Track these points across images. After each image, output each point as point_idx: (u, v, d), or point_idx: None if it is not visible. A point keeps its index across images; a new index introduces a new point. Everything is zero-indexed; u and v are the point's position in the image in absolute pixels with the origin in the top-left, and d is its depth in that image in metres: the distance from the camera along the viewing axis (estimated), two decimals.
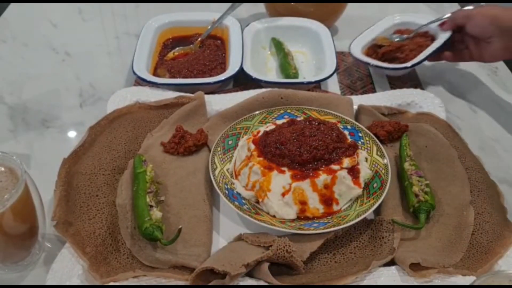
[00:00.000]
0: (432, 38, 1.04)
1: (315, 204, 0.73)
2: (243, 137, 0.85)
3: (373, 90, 1.02)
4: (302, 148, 0.75)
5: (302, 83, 0.98)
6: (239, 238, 0.71)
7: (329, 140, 0.77)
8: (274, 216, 0.73)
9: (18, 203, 0.60)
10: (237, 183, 0.78)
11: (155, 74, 1.01)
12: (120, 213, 0.72)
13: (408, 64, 0.98)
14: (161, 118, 0.89)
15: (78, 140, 0.83)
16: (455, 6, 1.36)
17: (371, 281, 0.65)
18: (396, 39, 1.04)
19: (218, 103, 0.92)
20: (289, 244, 0.66)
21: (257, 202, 0.76)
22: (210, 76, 1.00)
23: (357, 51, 1.03)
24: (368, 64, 1.01)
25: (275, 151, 0.76)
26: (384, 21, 1.09)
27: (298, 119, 0.86)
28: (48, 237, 0.72)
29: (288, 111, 0.89)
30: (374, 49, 1.06)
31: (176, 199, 0.76)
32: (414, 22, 1.08)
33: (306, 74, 1.06)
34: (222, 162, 0.81)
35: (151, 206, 0.70)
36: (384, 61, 1.02)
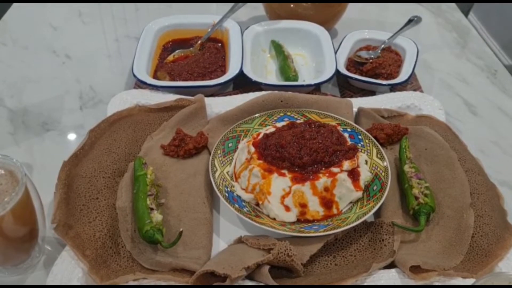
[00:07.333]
0: (396, 52, 1.09)
1: (315, 206, 0.73)
2: (243, 139, 0.85)
3: (373, 93, 1.02)
4: (302, 151, 0.75)
5: (301, 85, 0.99)
6: (239, 240, 0.71)
7: (329, 143, 0.77)
8: (274, 219, 0.73)
9: (18, 206, 0.60)
10: (237, 185, 0.78)
11: (155, 77, 1.02)
12: (120, 216, 0.72)
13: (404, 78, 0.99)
14: (161, 121, 0.89)
15: (78, 143, 0.83)
16: (453, 7, 1.36)
17: (371, 284, 0.65)
18: (371, 56, 1.06)
19: (218, 105, 0.92)
20: (290, 248, 0.65)
21: (257, 204, 0.76)
22: (210, 79, 1.00)
23: (344, 70, 1.03)
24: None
25: (275, 153, 0.76)
26: (346, 40, 1.11)
27: (298, 121, 0.86)
28: (48, 240, 0.72)
29: (288, 113, 0.89)
30: (352, 65, 1.06)
31: (176, 201, 0.76)
32: (372, 38, 1.11)
33: (306, 77, 1.06)
34: (222, 164, 0.81)
35: (152, 209, 0.70)
36: (369, 77, 1.02)
